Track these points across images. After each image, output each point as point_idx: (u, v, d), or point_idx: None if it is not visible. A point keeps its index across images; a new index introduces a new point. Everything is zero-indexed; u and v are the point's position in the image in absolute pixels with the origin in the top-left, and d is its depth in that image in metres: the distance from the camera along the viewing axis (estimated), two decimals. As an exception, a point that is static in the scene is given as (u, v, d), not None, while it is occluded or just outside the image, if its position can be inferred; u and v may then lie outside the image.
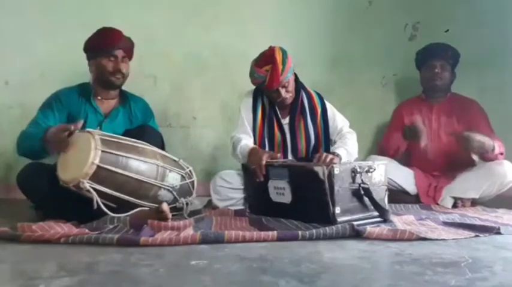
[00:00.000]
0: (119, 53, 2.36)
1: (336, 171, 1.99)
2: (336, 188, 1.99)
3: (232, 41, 3.24)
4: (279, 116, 2.57)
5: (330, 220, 1.96)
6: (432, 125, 3.00)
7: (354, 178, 2.06)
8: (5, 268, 1.41)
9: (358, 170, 2.06)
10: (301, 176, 2.12)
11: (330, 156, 2.27)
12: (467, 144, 2.62)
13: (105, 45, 2.35)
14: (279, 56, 2.39)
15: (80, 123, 2.02)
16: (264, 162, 2.24)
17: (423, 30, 3.42)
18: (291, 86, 2.49)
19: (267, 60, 2.41)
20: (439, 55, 2.97)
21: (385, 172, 2.18)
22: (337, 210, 1.98)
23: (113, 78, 2.36)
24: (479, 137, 2.64)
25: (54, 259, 1.45)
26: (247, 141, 2.48)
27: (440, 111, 3.02)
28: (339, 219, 1.97)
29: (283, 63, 2.38)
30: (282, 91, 2.45)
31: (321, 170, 2.00)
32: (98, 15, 3.03)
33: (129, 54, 2.43)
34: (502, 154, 2.72)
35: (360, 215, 2.05)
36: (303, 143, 2.56)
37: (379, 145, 3.16)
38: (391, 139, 3.00)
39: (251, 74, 2.47)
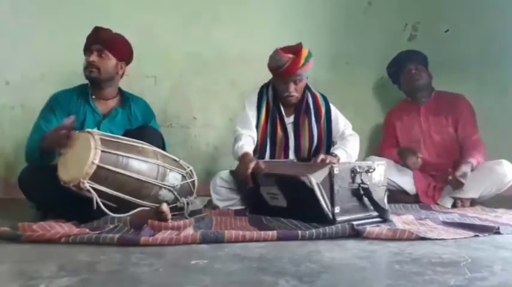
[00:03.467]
0: (95, 47, 2.34)
1: (336, 171, 1.99)
2: (336, 187, 1.99)
3: (233, 41, 3.25)
4: (283, 114, 2.59)
5: (329, 220, 1.96)
6: (422, 126, 3.03)
7: (353, 178, 2.06)
8: (5, 267, 1.41)
9: (358, 170, 2.06)
10: (289, 185, 2.10)
11: (329, 158, 2.31)
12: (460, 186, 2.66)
13: (87, 40, 2.37)
14: (304, 52, 2.46)
15: (72, 118, 2.01)
16: (249, 171, 2.24)
17: (423, 30, 3.43)
18: (300, 87, 2.52)
19: (293, 50, 2.46)
20: (410, 59, 3.06)
21: (384, 172, 2.18)
22: (337, 210, 1.98)
23: (86, 72, 2.35)
24: (463, 171, 2.66)
25: (54, 258, 1.46)
26: (246, 141, 2.47)
27: (427, 112, 3.04)
28: (339, 219, 1.96)
29: (306, 59, 2.46)
30: (292, 86, 2.48)
31: (307, 180, 1.96)
32: (98, 16, 3.03)
33: (110, 47, 2.37)
34: (479, 163, 2.75)
35: (360, 215, 2.04)
36: (306, 143, 2.58)
37: (379, 151, 3.16)
38: (386, 154, 3.00)
39: (272, 57, 2.50)
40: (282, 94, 2.54)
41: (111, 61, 2.38)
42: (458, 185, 2.64)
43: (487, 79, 3.34)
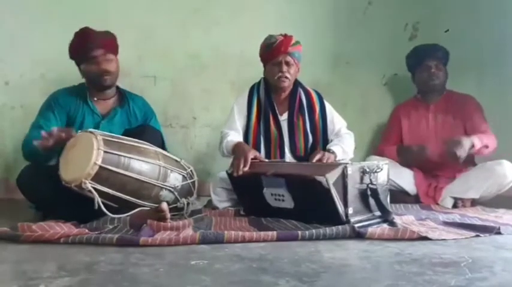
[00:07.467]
0: (98, 52, 2.28)
1: (350, 171, 1.96)
2: (349, 188, 1.95)
3: (232, 41, 3.24)
4: (277, 111, 2.56)
5: (343, 221, 1.92)
6: (429, 124, 3.00)
7: (362, 178, 2.02)
8: (5, 268, 1.41)
9: (367, 170, 2.02)
10: (301, 185, 2.04)
11: (326, 155, 2.31)
12: (450, 148, 2.63)
13: (82, 49, 2.28)
14: (294, 38, 2.51)
15: (71, 130, 2.02)
16: (251, 155, 2.23)
17: (423, 30, 3.42)
18: (292, 73, 2.50)
19: (284, 35, 2.51)
20: (433, 55, 2.98)
21: (388, 172, 2.16)
22: (350, 210, 1.95)
23: (101, 80, 2.32)
24: (456, 138, 2.65)
25: (54, 259, 1.46)
26: (234, 137, 2.47)
27: (436, 111, 3.01)
28: (352, 219, 1.93)
29: (297, 42, 2.51)
30: (284, 67, 2.46)
31: (323, 180, 1.91)
32: (98, 16, 3.03)
33: (110, 48, 2.33)
34: (487, 147, 2.71)
35: (365, 216, 2.01)
36: (301, 141, 2.54)
37: (377, 151, 3.14)
38: (386, 152, 2.98)
39: (265, 40, 2.52)
40: (273, 77, 2.50)
41: (115, 61, 2.36)
42: (449, 149, 2.62)
43: (486, 79, 3.33)
